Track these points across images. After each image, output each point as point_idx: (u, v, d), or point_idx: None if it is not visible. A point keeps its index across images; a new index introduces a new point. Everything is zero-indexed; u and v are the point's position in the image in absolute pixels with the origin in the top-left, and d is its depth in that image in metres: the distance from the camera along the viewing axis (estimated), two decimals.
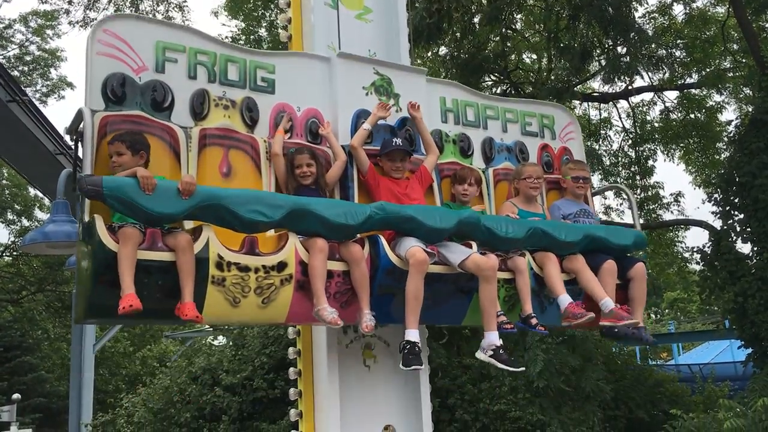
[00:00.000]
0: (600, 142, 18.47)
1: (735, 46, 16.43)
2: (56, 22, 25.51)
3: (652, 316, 45.76)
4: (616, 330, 4.69)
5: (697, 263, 13.48)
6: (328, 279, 3.90)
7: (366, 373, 4.80)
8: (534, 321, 4.43)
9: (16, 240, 27.77)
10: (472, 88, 5.83)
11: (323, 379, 4.56)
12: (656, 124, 18.25)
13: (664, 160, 19.17)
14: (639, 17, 15.71)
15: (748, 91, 15.99)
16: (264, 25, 17.41)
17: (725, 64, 16.63)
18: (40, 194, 27.01)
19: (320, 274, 3.85)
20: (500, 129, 5.57)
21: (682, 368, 20.44)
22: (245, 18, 17.88)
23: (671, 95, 17.74)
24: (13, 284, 28.50)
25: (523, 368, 4.33)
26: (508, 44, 16.48)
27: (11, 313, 27.68)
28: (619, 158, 18.29)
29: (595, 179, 17.72)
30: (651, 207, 17.47)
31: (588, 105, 18.13)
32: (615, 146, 18.65)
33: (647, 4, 16.20)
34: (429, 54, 16.60)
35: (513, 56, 16.97)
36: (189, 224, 3.88)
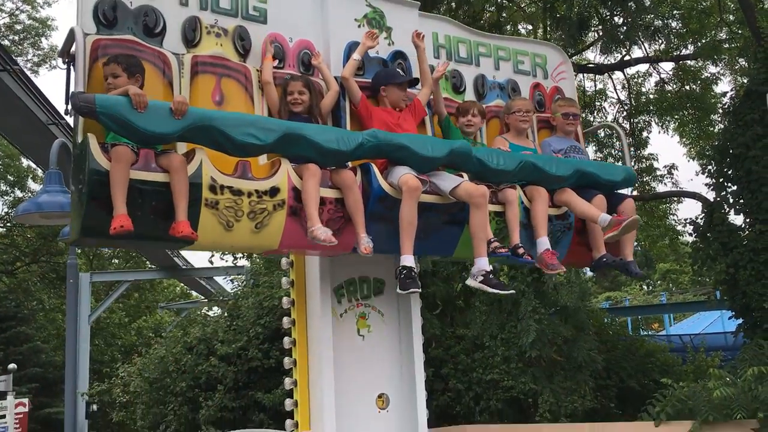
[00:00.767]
0: (595, 114, 18.43)
1: (731, 17, 16.33)
2: None
3: (644, 287, 46.09)
4: (605, 260, 4.85)
5: (690, 235, 13.53)
6: (321, 206, 3.94)
7: (360, 342, 4.84)
8: (521, 251, 4.51)
9: (10, 211, 27.71)
10: (465, 25, 5.84)
11: (318, 348, 4.60)
12: (651, 96, 18.20)
13: (659, 132, 19.17)
14: None
15: (744, 63, 15.94)
16: None
17: (721, 35, 16.53)
18: (33, 165, 26.89)
19: (313, 196, 3.88)
20: (492, 67, 5.59)
21: (674, 339, 20.64)
22: None
23: (667, 67, 17.68)
24: (7, 255, 28.51)
25: (513, 291, 4.48)
26: (504, 15, 16.35)
27: (6, 284, 27.73)
28: (614, 130, 18.27)
29: (590, 150, 17.72)
30: (645, 179, 17.49)
31: (583, 76, 18.05)
32: (610, 118, 18.62)
33: None
34: None
35: (509, 27, 16.84)
36: (182, 148, 3.89)
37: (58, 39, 27.18)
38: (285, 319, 4.90)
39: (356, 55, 4.61)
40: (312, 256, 4.69)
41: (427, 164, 4.29)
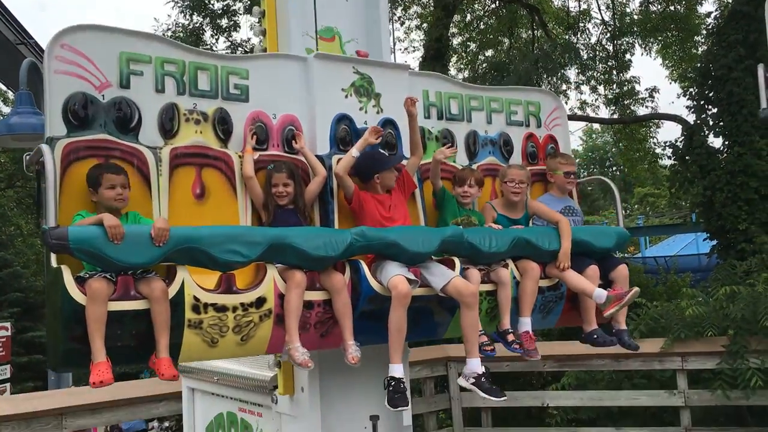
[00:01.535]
0: (578, 36, 18.21)
1: None
2: None
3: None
4: (596, 337, 4.76)
5: (669, 158, 13.62)
6: (309, 309, 3.81)
7: None
8: (510, 338, 4.42)
9: None
10: (457, 80, 5.61)
11: None
12: (635, 17, 17.97)
13: (642, 54, 18.96)
14: None
15: None
16: None
17: None
18: (2, 87, 26.20)
19: (294, 309, 3.72)
20: (485, 120, 5.36)
21: (648, 261, 21.08)
22: None
23: None
24: None
25: (505, 397, 4.38)
26: None
27: None
28: (597, 52, 18.09)
29: (571, 73, 17.58)
30: (626, 102, 17.46)
31: None
32: (593, 39, 18.41)
33: None
34: None
35: None
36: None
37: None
38: None
39: (354, 152, 4.33)
40: None
41: (417, 259, 4.14)
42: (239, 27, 17.46)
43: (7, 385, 13.27)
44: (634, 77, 17.78)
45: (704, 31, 15.92)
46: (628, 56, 17.61)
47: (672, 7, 17.05)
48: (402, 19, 20.17)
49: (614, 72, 17.76)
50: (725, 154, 11.26)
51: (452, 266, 4.25)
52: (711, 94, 11.62)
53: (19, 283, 24.37)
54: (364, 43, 5.04)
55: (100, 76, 3.80)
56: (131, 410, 6.00)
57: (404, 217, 4.48)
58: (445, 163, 4.90)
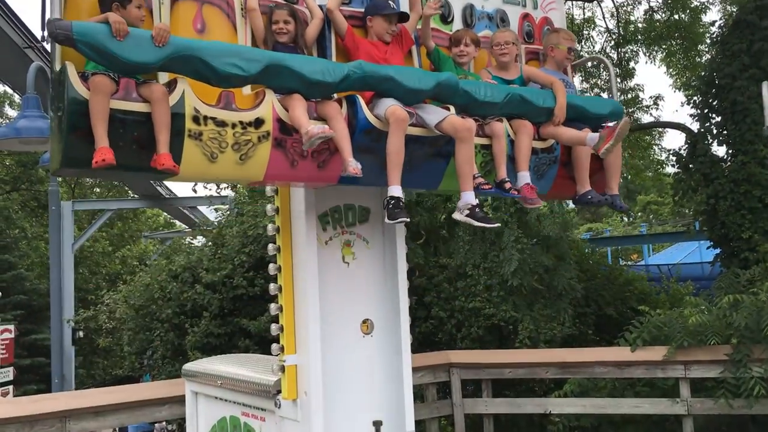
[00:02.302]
0: (582, 43, 18.22)
1: None
2: None
3: (625, 219, 46.65)
4: (590, 197, 4.87)
5: (673, 166, 13.62)
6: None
7: (345, 269, 4.87)
8: (508, 185, 4.53)
9: None
10: None
11: (303, 274, 4.63)
12: (639, 25, 17.99)
13: (646, 62, 19.02)
14: None
15: None
16: None
17: None
18: (9, 90, 26.31)
19: (301, 110, 3.84)
20: None
21: (652, 269, 21.05)
22: None
23: None
24: None
25: (498, 224, 4.51)
26: None
27: None
28: (602, 62, 18.09)
29: (576, 81, 17.59)
30: (630, 110, 17.47)
31: (572, 4, 17.75)
32: (597, 47, 18.43)
33: None
34: None
35: None
36: (163, 79, 3.78)
37: None
38: (270, 246, 4.90)
39: None
40: (297, 187, 4.66)
41: (413, 96, 4.22)
42: None
43: (10, 387, 13.31)
44: (638, 85, 17.84)
45: (708, 40, 15.92)
46: (632, 64, 17.64)
47: (676, 16, 17.08)
48: None
49: (618, 79, 17.79)
50: (729, 163, 11.26)
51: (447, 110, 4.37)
52: (715, 103, 11.63)
53: (22, 286, 24.42)
54: None
55: None
56: (134, 414, 6.02)
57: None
58: (440, 31, 5.01)
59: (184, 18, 4.02)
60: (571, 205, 12.40)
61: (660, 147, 18.99)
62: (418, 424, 7.21)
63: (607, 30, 18.11)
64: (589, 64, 16.75)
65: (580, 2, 17.71)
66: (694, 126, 12.59)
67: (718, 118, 11.63)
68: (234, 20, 4.19)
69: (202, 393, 5.70)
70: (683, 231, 22.23)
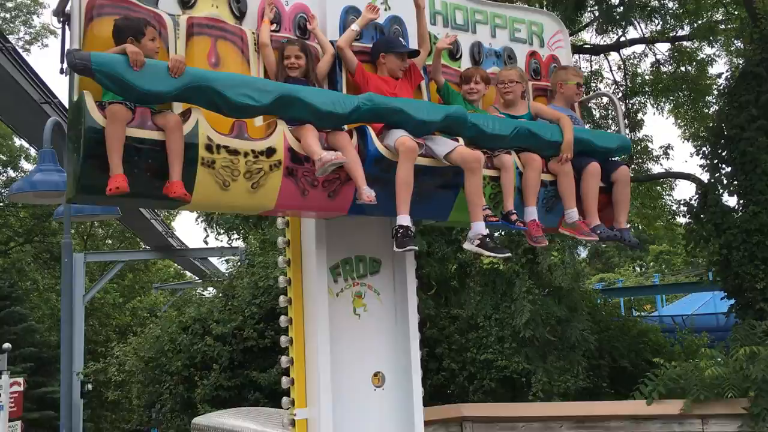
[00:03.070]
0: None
1: None
2: None
3: (637, 269, 46.31)
4: (599, 232, 4.87)
5: (684, 216, 13.59)
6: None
7: (356, 320, 4.86)
8: (514, 217, 4.58)
9: (3, 191, 27.58)
10: None
11: (314, 327, 4.62)
12: (646, 77, 18.16)
13: (654, 113, 19.14)
14: None
15: (739, 45, 15.90)
16: None
17: (717, 16, 16.48)
18: (26, 144, 26.73)
19: (313, 139, 3.92)
20: (489, 34, 5.56)
21: (666, 319, 20.79)
22: None
23: (662, 47, 17.63)
24: (1, 235, 28.43)
25: (509, 254, 4.59)
26: None
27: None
28: (609, 111, 18.24)
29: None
30: (640, 160, 17.51)
31: (579, 57, 17.99)
32: (605, 99, 18.58)
33: None
34: None
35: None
36: (178, 109, 3.87)
37: (50, 17, 26.80)
38: (281, 298, 4.91)
39: (355, 26, 4.58)
40: (308, 218, 4.70)
41: (422, 128, 4.30)
42: None
43: None
44: (647, 136, 17.88)
45: (715, 91, 16.05)
46: (640, 115, 17.74)
47: (683, 68, 17.24)
48: None
49: (627, 131, 17.87)
50: (740, 213, 11.22)
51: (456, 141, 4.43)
52: (724, 153, 11.66)
53: (33, 338, 24.37)
54: None
55: None
56: None
57: None
58: (448, 67, 5.12)
59: (199, 52, 4.15)
60: (583, 255, 12.36)
61: (671, 198, 18.95)
62: None
63: (615, 82, 18.28)
64: (597, 114, 16.88)
65: (587, 55, 17.94)
66: (705, 176, 12.60)
67: (728, 169, 11.65)
68: (247, 55, 4.32)
69: None
70: (697, 281, 22.04)
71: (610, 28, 14.51)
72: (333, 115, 4.01)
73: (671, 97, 18.07)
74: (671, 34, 16.62)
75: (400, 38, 4.85)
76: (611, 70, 18.38)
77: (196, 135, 3.67)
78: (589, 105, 17.25)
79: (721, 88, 13.18)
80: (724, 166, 11.77)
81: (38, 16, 27.12)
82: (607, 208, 5.09)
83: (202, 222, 17.56)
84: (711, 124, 12.83)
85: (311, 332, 4.65)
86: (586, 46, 17.87)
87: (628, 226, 5.17)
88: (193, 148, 3.64)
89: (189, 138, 3.63)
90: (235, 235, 16.87)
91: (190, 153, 3.63)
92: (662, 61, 17.64)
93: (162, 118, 3.64)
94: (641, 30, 16.26)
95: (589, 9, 14.78)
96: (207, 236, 17.85)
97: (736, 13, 15.57)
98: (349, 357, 4.73)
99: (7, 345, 15.71)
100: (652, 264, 46.38)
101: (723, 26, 15.99)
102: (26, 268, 27.70)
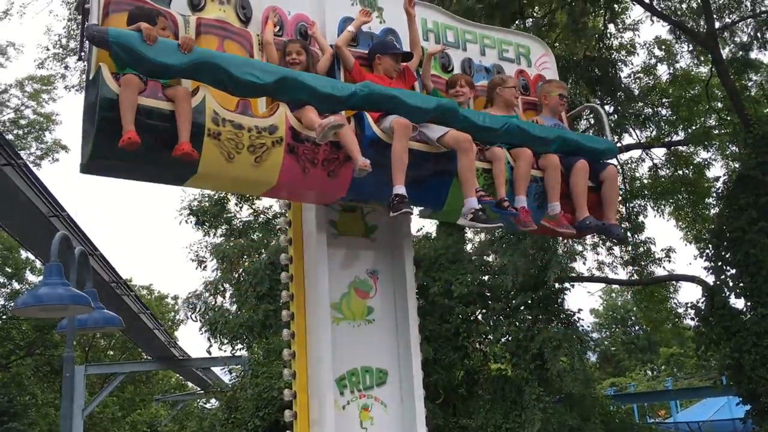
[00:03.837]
0: None
1: (719, 104, 16.77)
2: (52, 86, 25.79)
3: (649, 372, 45.33)
4: (588, 222, 5.00)
5: (692, 319, 13.45)
6: (317, 146, 4.22)
7: None
8: (506, 204, 4.73)
9: (6, 303, 27.50)
10: (452, 14, 6.12)
11: None
12: (645, 181, 18.45)
13: (654, 216, 19.29)
14: (625, 77, 16.08)
15: (735, 148, 16.26)
16: None
17: (710, 121, 16.94)
18: (31, 257, 26.88)
19: (312, 111, 4.21)
20: (478, 52, 5.85)
21: (681, 426, 20.18)
22: None
23: (659, 152, 18.01)
24: (2, 348, 28.09)
25: (501, 224, 4.72)
26: None
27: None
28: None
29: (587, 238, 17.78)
30: (643, 263, 17.50)
31: None
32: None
33: (632, 64, 16.61)
34: None
35: None
36: (187, 86, 4.09)
37: (61, 133, 27.69)
38: (287, 412, 4.81)
39: (351, 28, 4.94)
40: (308, 203, 4.91)
41: (416, 114, 4.51)
42: None
43: None
44: (649, 238, 17.95)
45: (714, 194, 16.27)
46: (641, 218, 17.89)
47: (680, 172, 17.54)
48: None
49: (629, 233, 17.96)
50: (749, 316, 11.12)
51: None
52: (728, 255, 11.70)
53: None
54: (384, 212, 5.27)
55: None
56: None
57: None
58: (439, 77, 5.37)
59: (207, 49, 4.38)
60: (593, 359, 12.16)
61: (676, 301, 18.79)
62: None
63: None
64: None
65: None
66: (710, 279, 12.58)
67: (733, 271, 11.64)
68: (252, 53, 4.58)
69: None
70: (710, 386, 21.53)
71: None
72: (331, 98, 4.28)
73: (671, 200, 18.29)
74: (667, 140, 17.02)
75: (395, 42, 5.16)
76: None
77: (204, 108, 3.93)
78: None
79: (720, 191, 13.37)
80: (728, 268, 11.77)
81: (50, 132, 27.90)
82: (596, 208, 5.22)
83: (205, 332, 17.39)
84: (712, 226, 12.92)
85: None
86: None
87: (616, 222, 5.36)
88: (200, 118, 3.90)
89: (197, 110, 3.90)
90: (239, 345, 16.66)
91: (197, 123, 3.88)
92: (660, 165, 17.98)
93: (172, 90, 3.93)
94: (637, 135, 16.67)
95: (584, 117, 15.22)
96: (210, 346, 17.60)
97: (728, 118, 16.01)
98: None
99: None
100: (663, 367, 45.45)
101: (717, 131, 16.40)
102: (26, 382, 27.18)
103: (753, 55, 15.20)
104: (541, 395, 9.23)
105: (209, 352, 21.12)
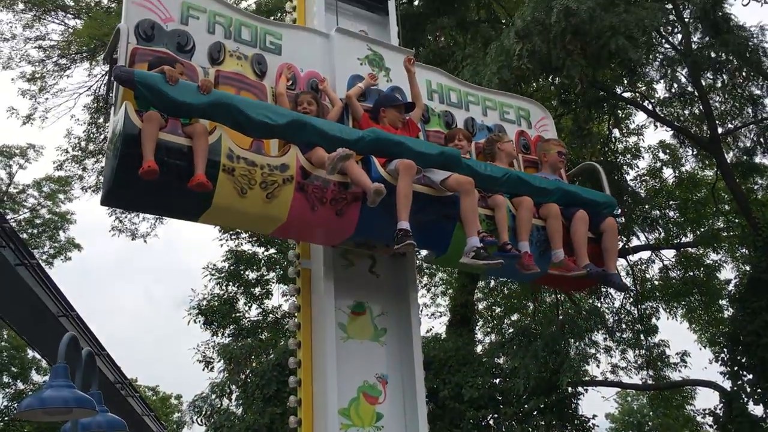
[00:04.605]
0: (602, 300, 18.47)
1: (726, 207, 16.86)
2: (69, 187, 26.26)
3: None
4: (588, 270, 5.10)
5: (711, 426, 13.05)
6: (325, 186, 4.44)
7: None
8: (509, 247, 4.87)
9: (10, 405, 27.02)
10: (455, 77, 6.45)
11: None
12: (656, 282, 18.32)
13: (667, 318, 19.03)
14: (631, 180, 16.30)
15: (745, 250, 16.22)
16: None
17: (719, 224, 16.98)
18: (38, 356, 26.60)
19: (324, 153, 4.45)
20: (481, 113, 6.13)
21: None
22: None
23: (669, 254, 17.97)
24: None
25: (501, 261, 4.66)
26: None
27: None
28: (622, 316, 18.18)
29: (599, 337, 17.54)
30: (659, 367, 17.13)
31: None
32: (617, 304, 18.61)
33: (638, 168, 16.86)
34: None
35: None
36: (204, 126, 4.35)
37: (75, 232, 27.98)
38: None
39: (361, 85, 5.26)
40: (316, 244, 5.11)
41: (420, 159, 4.69)
42: (271, 294, 18.08)
43: None
44: (663, 341, 17.63)
45: (727, 297, 16.10)
46: (653, 320, 17.64)
47: (691, 273, 17.44)
48: (428, 286, 20.77)
49: (642, 335, 17.67)
50: None
51: None
52: (744, 360, 11.48)
53: None
54: (394, 316, 5.30)
55: (165, 12, 4.88)
56: None
57: None
58: (442, 132, 5.66)
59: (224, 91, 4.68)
60: None
61: (693, 407, 18.25)
62: None
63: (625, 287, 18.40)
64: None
65: None
66: (726, 384, 12.29)
67: (750, 376, 11.39)
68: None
69: None
70: None
71: None
72: (340, 140, 4.50)
73: (683, 302, 18.09)
74: (676, 241, 17.02)
75: (398, 95, 5.45)
76: (619, 275, 18.57)
77: (219, 145, 4.18)
78: (602, 310, 17.28)
79: (732, 293, 13.26)
80: (745, 373, 11.53)
81: (64, 231, 28.18)
82: (597, 259, 5.31)
83: None
84: (726, 329, 12.73)
85: None
86: None
87: (616, 272, 5.47)
88: (215, 155, 4.13)
89: (213, 147, 4.14)
90: None
91: (213, 159, 4.10)
92: (670, 267, 17.90)
93: (190, 127, 4.20)
94: (646, 237, 16.70)
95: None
96: None
97: (736, 221, 16.07)
98: None
99: None
100: None
101: (725, 233, 16.41)
102: None
103: (757, 159, 15.42)
104: None
105: None
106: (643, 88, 15.82)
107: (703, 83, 14.09)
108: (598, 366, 18.73)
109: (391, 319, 5.33)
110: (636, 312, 17.75)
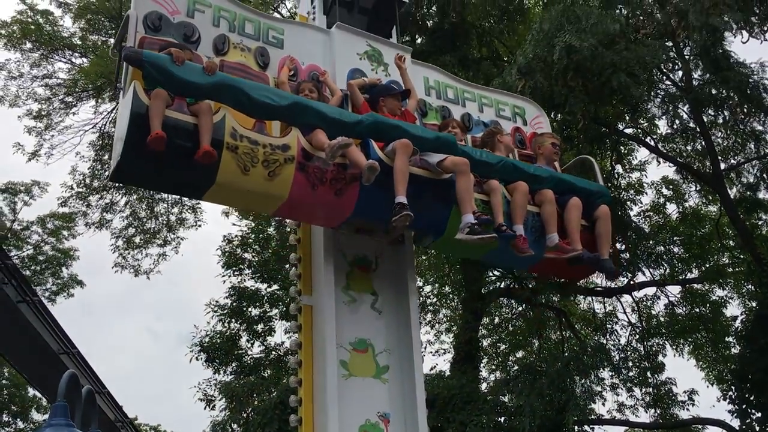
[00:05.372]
0: (608, 337, 18.30)
1: (731, 242, 16.79)
2: (73, 223, 26.28)
3: None
4: (582, 256, 5.19)
5: None
6: (325, 167, 4.54)
7: None
8: (504, 228, 4.97)
9: None
10: (452, 74, 6.64)
11: None
12: (662, 318, 18.16)
13: (674, 355, 18.82)
14: (634, 216, 16.27)
15: (751, 287, 16.10)
16: (273, 224, 18.05)
17: (724, 259, 16.89)
18: (38, 394, 26.38)
19: (322, 135, 4.59)
20: (477, 109, 6.31)
21: None
22: (255, 218, 18.56)
23: (674, 290, 17.85)
24: None
25: (495, 235, 4.81)
26: None
27: None
28: (628, 353, 17.99)
29: (605, 374, 17.33)
30: (666, 405, 16.89)
31: (592, 299, 18.18)
32: (623, 340, 18.44)
33: (641, 203, 16.85)
34: None
35: None
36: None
37: (78, 268, 27.90)
38: None
39: (366, 78, 5.48)
40: (316, 225, 5.22)
41: (417, 143, 4.81)
42: (274, 331, 17.96)
43: None
44: (669, 378, 17.40)
45: (733, 334, 15.94)
46: (660, 357, 17.44)
47: (697, 309, 17.29)
48: (432, 323, 20.62)
49: (648, 373, 17.46)
50: None
51: None
52: (752, 398, 11.32)
53: None
54: (397, 353, 5.26)
55: (172, 5, 5.10)
56: None
57: None
58: (435, 125, 5.79)
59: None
60: None
61: None
62: None
63: (630, 324, 18.27)
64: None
65: (600, 297, 18.14)
66: (734, 422, 12.10)
67: (759, 414, 11.22)
68: None
69: None
70: None
71: (618, 274, 14.84)
72: (340, 123, 4.64)
73: (689, 339, 17.91)
74: (681, 277, 16.91)
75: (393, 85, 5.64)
76: (625, 312, 18.45)
77: (223, 124, 4.32)
78: (608, 347, 17.08)
79: (739, 330, 13.13)
80: (753, 411, 11.36)
81: (67, 268, 28.10)
82: (590, 246, 5.41)
83: None
84: (734, 367, 12.58)
85: None
86: (598, 288, 18.16)
87: (608, 257, 5.52)
88: (219, 133, 4.26)
89: (217, 125, 4.27)
90: None
91: (217, 137, 4.22)
92: (676, 303, 17.76)
93: (196, 106, 4.32)
94: (651, 273, 16.60)
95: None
96: None
97: (741, 256, 15.99)
98: None
99: None
100: None
101: (731, 269, 16.31)
102: None
103: (761, 194, 15.41)
104: None
105: None
106: (645, 124, 15.90)
107: (705, 119, 14.16)
108: (603, 404, 18.48)
109: (393, 357, 5.27)
110: (642, 349, 17.57)
